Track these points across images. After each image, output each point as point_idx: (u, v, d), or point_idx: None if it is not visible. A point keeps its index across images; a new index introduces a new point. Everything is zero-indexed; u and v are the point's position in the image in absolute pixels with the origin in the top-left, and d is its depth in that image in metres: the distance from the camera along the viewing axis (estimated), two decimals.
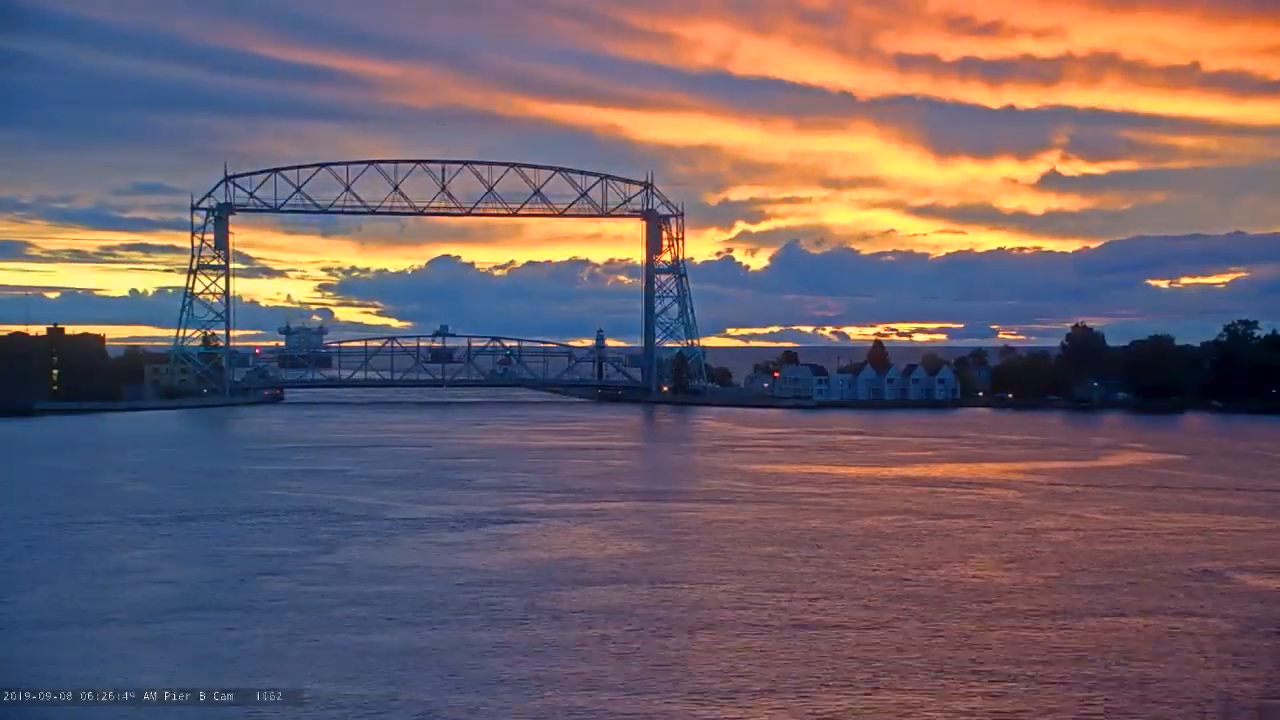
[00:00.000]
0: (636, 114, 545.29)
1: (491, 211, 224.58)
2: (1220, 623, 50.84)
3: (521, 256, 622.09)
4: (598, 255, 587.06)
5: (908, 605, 53.49)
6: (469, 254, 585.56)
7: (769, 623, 50.31)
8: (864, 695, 40.86)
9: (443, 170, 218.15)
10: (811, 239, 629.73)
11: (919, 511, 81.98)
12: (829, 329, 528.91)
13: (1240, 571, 61.96)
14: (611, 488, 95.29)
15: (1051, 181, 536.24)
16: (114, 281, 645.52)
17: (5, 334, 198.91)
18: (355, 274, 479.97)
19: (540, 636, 47.97)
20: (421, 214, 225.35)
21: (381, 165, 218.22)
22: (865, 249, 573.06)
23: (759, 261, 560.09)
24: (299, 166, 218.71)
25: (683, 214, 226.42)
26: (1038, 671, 43.42)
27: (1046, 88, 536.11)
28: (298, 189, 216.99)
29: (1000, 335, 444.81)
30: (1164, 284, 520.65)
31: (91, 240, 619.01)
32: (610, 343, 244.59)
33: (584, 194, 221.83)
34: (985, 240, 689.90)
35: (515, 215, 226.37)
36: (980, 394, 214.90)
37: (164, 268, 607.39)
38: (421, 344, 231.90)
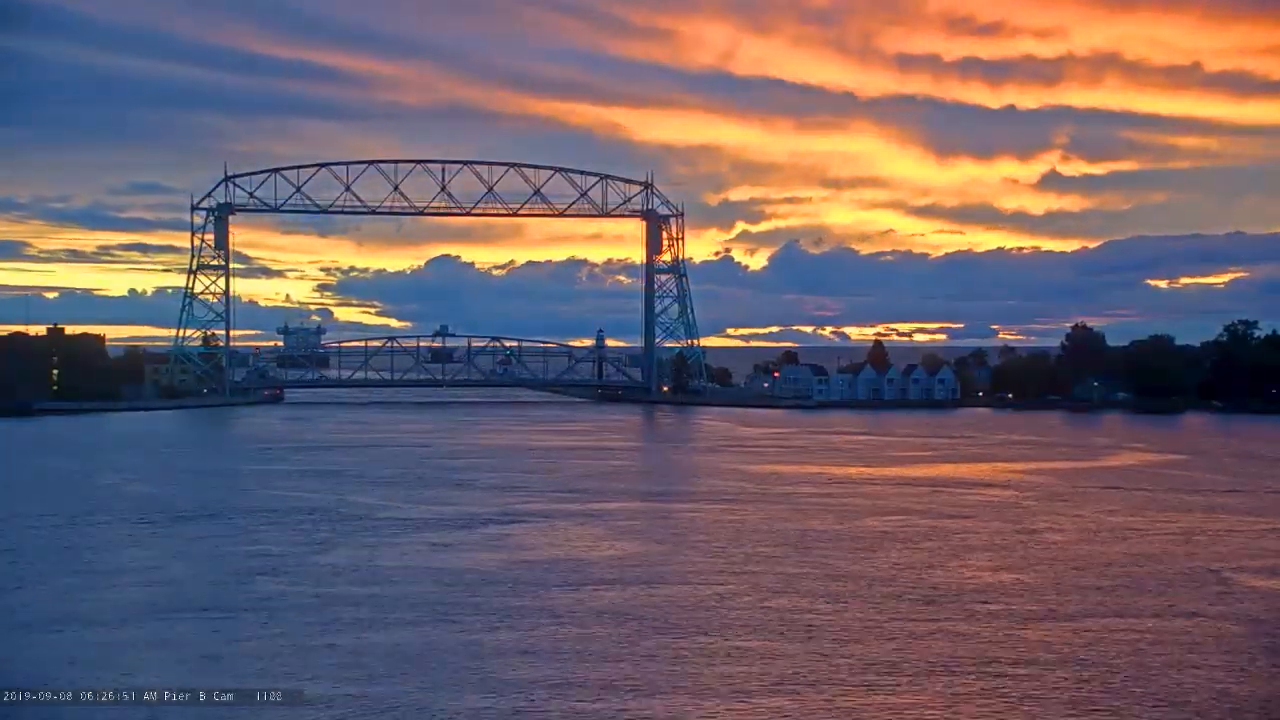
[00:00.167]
0: (637, 113, 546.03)
1: (491, 211, 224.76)
2: (1221, 623, 50.83)
3: (521, 256, 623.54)
4: (597, 255, 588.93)
5: (908, 605, 53.48)
6: (469, 254, 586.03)
7: (769, 623, 50.29)
8: (864, 695, 40.86)
9: (442, 170, 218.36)
10: (811, 239, 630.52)
11: (919, 512, 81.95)
12: (829, 329, 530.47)
13: (1241, 571, 61.96)
14: (611, 488, 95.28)
15: (1052, 181, 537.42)
16: (113, 281, 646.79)
17: (5, 334, 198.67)
18: (354, 274, 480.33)
19: (540, 637, 47.95)
20: (421, 214, 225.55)
21: (381, 165, 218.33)
22: (865, 249, 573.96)
23: (759, 261, 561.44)
24: (299, 166, 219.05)
25: (683, 214, 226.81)
26: (1038, 672, 43.39)
27: (1047, 88, 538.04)
28: (297, 189, 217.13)
29: (1000, 335, 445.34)
30: (1164, 284, 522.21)
31: (89, 240, 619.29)
32: (610, 343, 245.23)
33: (584, 194, 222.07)
34: (985, 240, 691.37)
35: (515, 215, 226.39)
36: (980, 394, 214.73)
37: (163, 268, 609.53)
38: (421, 344, 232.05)
